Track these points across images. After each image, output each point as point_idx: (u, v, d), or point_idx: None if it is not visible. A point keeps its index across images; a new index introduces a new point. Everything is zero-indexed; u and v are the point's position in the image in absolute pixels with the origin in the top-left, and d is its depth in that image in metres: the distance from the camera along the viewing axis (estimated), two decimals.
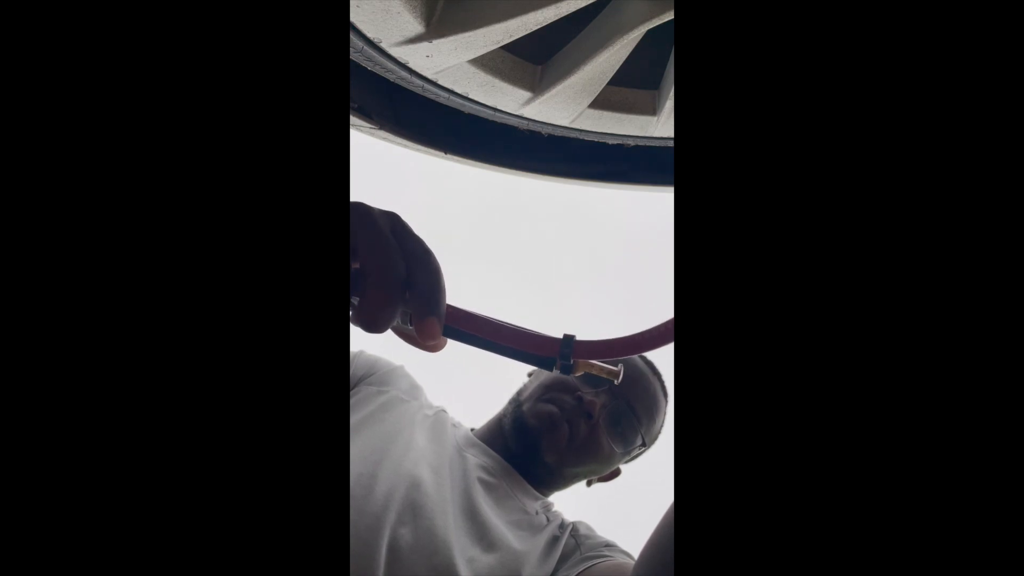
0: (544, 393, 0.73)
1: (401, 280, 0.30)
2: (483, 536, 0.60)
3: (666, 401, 0.78)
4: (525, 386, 0.79)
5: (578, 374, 0.34)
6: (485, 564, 0.57)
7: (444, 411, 0.79)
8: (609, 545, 0.64)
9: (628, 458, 0.78)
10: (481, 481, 0.67)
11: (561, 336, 0.33)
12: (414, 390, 0.79)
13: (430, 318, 0.30)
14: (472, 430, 0.80)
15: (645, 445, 0.77)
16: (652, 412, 0.75)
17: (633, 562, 0.56)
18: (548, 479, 0.74)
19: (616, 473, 0.81)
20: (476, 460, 0.70)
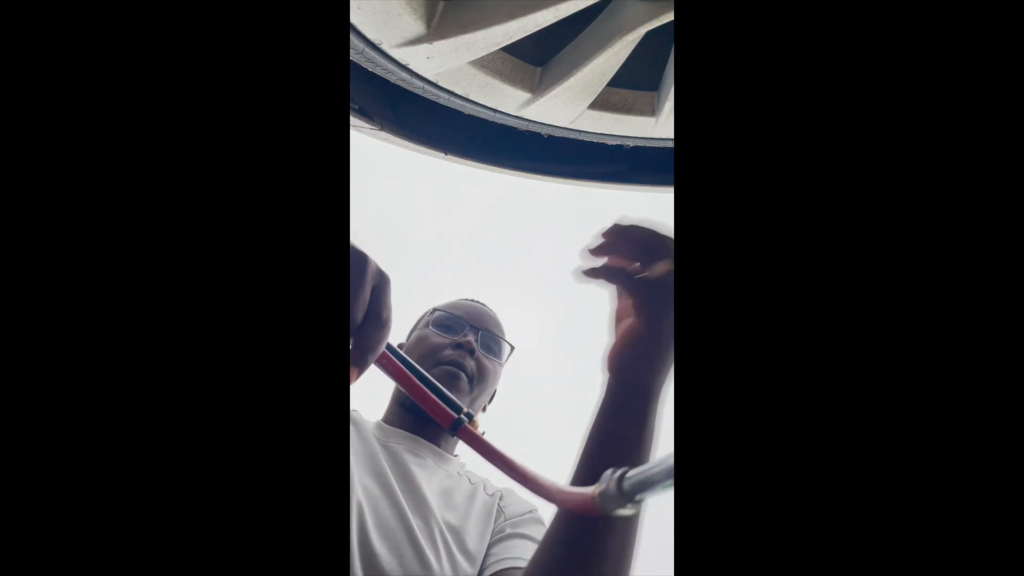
0: (428, 363, 0.82)
1: (354, 325, 0.34)
2: (440, 522, 0.66)
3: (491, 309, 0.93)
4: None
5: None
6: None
7: (356, 411, 0.85)
8: (531, 511, 0.71)
9: (503, 363, 0.91)
10: (415, 465, 0.74)
11: (456, 415, 0.43)
12: None
13: (353, 368, 0.35)
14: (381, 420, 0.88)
15: (511, 347, 0.92)
16: (496, 323, 0.90)
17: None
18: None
19: (494, 393, 0.92)
20: (399, 446, 0.77)
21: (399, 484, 0.67)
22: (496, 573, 0.63)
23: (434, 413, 0.43)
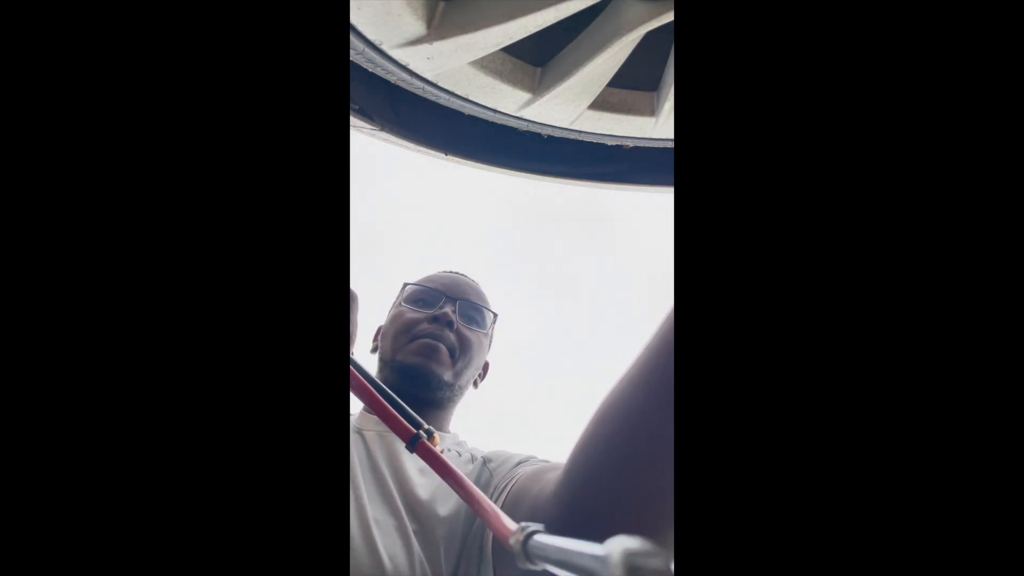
0: (405, 339, 0.79)
1: None
2: (403, 512, 0.61)
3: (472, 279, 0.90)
4: (381, 349, 0.85)
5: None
6: (420, 534, 0.58)
7: None
8: (522, 462, 0.64)
9: (489, 337, 0.88)
10: (384, 451, 0.69)
11: (416, 431, 0.44)
12: None
13: None
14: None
15: (495, 315, 0.89)
16: (477, 292, 0.87)
17: (550, 464, 0.59)
18: (450, 395, 0.80)
19: (487, 367, 0.90)
20: (373, 432, 0.72)
21: (366, 475, 0.64)
22: (511, 481, 0.57)
23: (394, 428, 0.44)
